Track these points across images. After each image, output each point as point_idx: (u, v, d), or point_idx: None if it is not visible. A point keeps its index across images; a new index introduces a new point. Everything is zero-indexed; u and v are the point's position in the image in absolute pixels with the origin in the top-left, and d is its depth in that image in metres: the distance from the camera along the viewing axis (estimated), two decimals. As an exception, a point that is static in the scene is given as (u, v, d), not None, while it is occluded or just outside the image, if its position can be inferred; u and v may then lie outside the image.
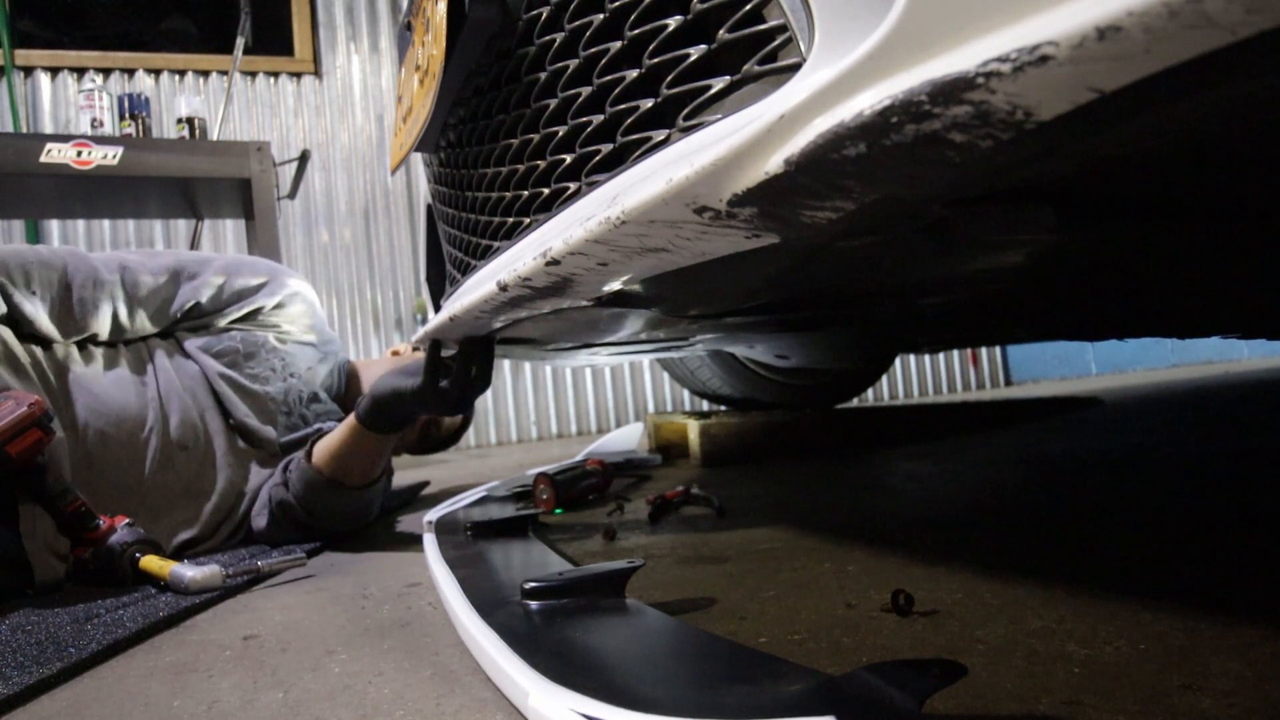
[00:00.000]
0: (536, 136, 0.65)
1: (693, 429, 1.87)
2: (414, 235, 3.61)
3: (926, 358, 4.26)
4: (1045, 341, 3.03)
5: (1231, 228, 0.53)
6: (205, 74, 3.41)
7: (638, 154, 0.50)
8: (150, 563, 0.99)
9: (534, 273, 0.57)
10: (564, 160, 0.61)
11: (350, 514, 1.25)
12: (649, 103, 0.50)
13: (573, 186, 0.60)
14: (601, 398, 3.72)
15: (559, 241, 0.52)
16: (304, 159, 2.45)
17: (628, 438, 2.21)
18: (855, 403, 3.05)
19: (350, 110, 3.60)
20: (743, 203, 0.38)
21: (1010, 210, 0.42)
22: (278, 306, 1.43)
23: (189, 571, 0.95)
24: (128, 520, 1.05)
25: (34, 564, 1.01)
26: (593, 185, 0.55)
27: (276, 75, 3.51)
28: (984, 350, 4.39)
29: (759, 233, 0.41)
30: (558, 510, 1.36)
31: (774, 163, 0.34)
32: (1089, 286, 0.83)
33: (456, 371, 1.08)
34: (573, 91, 0.58)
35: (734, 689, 0.46)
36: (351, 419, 1.17)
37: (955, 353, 4.32)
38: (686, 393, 3.74)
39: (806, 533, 1.02)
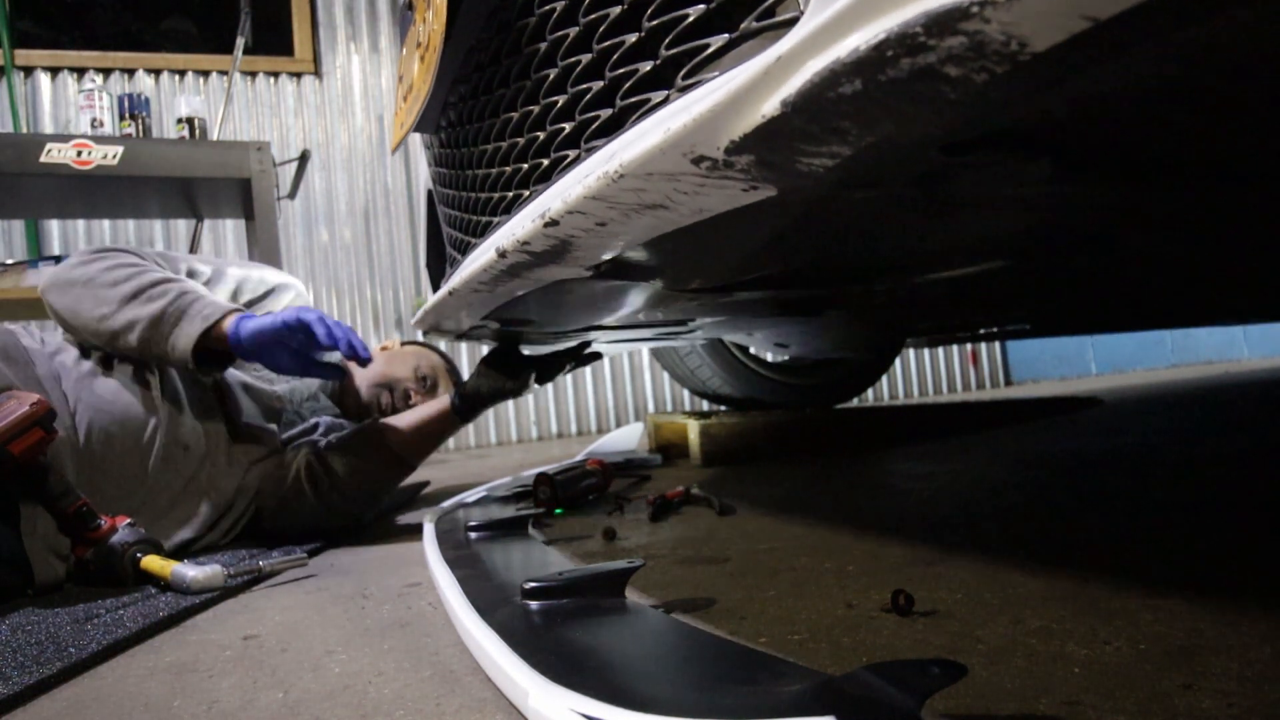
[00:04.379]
0: (537, 108, 0.65)
1: (693, 429, 1.87)
2: (414, 235, 3.61)
3: (926, 357, 4.26)
4: (1046, 336, 3.02)
5: (1229, 188, 0.52)
6: (205, 74, 3.41)
7: (637, 115, 0.50)
8: (151, 562, 0.99)
9: (533, 235, 0.57)
10: (563, 129, 0.61)
11: (370, 485, 1.34)
12: (648, 65, 0.50)
13: (572, 154, 0.60)
14: (601, 398, 3.72)
15: (558, 202, 0.52)
16: (304, 159, 2.45)
17: (628, 438, 2.21)
18: (855, 403, 3.04)
19: (350, 110, 3.60)
20: (740, 149, 0.38)
21: (1007, 160, 0.42)
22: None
23: (190, 571, 0.95)
24: (129, 520, 1.05)
25: (34, 564, 1.01)
26: (591, 151, 0.55)
27: (276, 75, 3.51)
28: (984, 350, 4.39)
29: (756, 184, 0.41)
30: (558, 510, 1.36)
31: (771, 105, 0.34)
32: (1088, 262, 0.83)
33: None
34: (573, 59, 0.58)
35: (734, 689, 0.46)
36: (444, 407, 1.36)
37: (955, 353, 4.32)
38: (686, 393, 3.74)
39: (806, 533, 1.02)
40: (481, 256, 0.70)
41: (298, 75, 3.54)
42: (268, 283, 1.43)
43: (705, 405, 3.03)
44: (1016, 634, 0.59)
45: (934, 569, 0.79)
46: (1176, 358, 4.96)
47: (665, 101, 0.48)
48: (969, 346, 4.36)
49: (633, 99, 0.52)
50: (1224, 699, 0.45)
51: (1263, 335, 5.14)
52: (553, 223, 0.54)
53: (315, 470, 1.30)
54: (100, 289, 1.19)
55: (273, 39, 3.49)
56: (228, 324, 1.18)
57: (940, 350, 4.30)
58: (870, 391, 4.01)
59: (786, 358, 2.41)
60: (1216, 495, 1.04)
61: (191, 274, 1.32)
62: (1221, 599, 0.62)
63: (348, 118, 3.59)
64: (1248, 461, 1.26)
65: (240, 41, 2.45)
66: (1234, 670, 0.49)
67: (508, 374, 1.36)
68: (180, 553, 1.21)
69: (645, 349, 3.71)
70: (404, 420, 1.36)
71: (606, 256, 0.61)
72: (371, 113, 3.62)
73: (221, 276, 1.37)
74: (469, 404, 1.36)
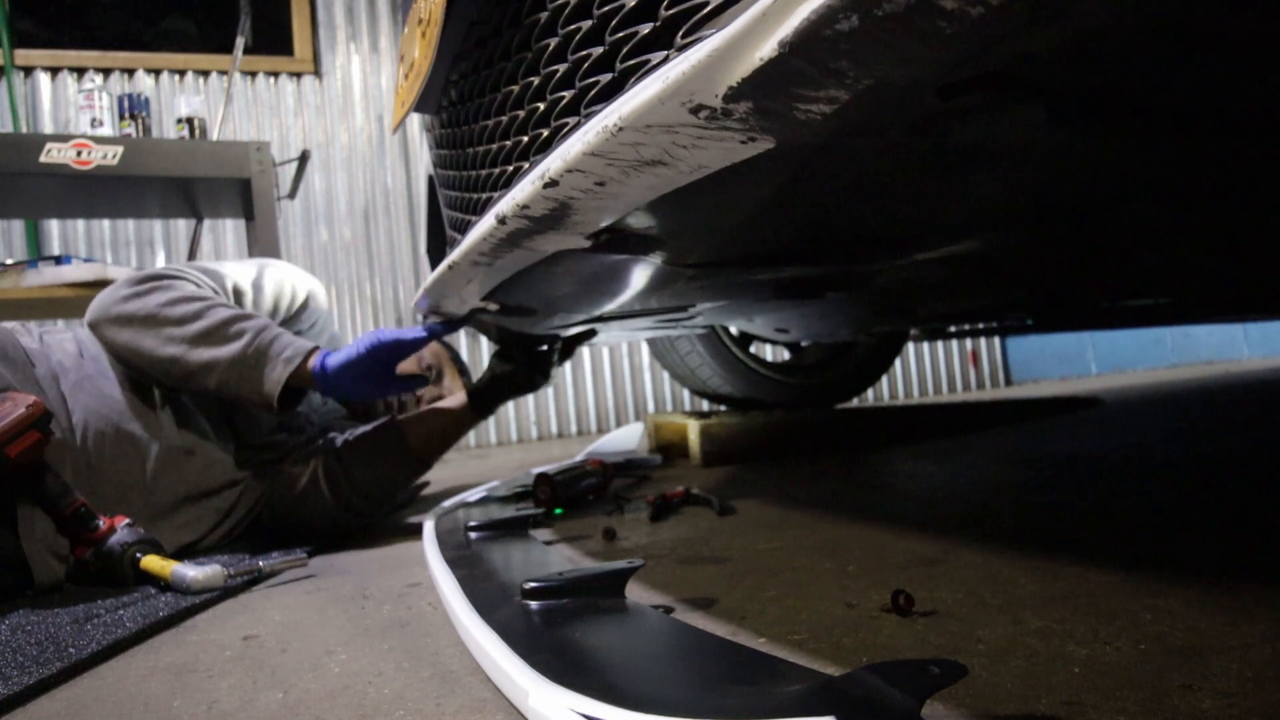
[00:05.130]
0: (537, 78, 0.65)
1: (693, 429, 1.87)
2: (414, 234, 3.61)
3: (926, 358, 4.26)
4: (1047, 331, 3.01)
5: (1229, 143, 0.52)
6: (205, 74, 3.41)
7: (636, 77, 0.51)
8: (151, 563, 0.99)
9: (532, 198, 0.57)
10: (563, 97, 0.61)
11: (388, 484, 1.35)
12: (647, 27, 0.50)
13: (572, 121, 0.60)
14: (601, 398, 3.72)
15: (558, 161, 0.52)
16: (304, 159, 2.45)
17: (628, 438, 2.21)
18: (855, 403, 3.04)
19: (350, 110, 3.59)
20: (738, 96, 0.38)
21: (1001, 104, 0.42)
22: (311, 326, 1.44)
23: (191, 571, 0.95)
24: (128, 520, 1.05)
25: (33, 565, 1.01)
26: (590, 116, 0.55)
27: (276, 75, 3.51)
28: (984, 350, 4.39)
29: (754, 134, 0.41)
30: (558, 510, 1.36)
31: (768, 47, 0.34)
32: (1090, 237, 0.82)
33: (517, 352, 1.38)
34: (573, 27, 0.59)
35: (734, 689, 0.46)
36: (461, 404, 1.38)
37: (955, 353, 4.32)
38: (686, 393, 3.74)
39: (807, 533, 1.02)
40: (481, 226, 0.70)
41: (298, 75, 3.54)
42: (299, 296, 1.40)
43: (705, 405, 3.03)
44: (1016, 634, 0.59)
45: (934, 569, 0.79)
46: (1176, 358, 4.95)
47: (664, 61, 0.48)
48: (969, 346, 4.36)
49: (632, 61, 0.52)
50: (1224, 699, 0.45)
51: (1263, 335, 5.14)
52: (552, 183, 0.54)
53: (333, 471, 1.31)
54: (166, 326, 1.17)
55: (273, 39, 3.49)
56: (311, 363, 1.18)
57: (940, 350, 4.30)
58: (870, 391, 4.01)
59: (788, 356, 2.41)
60: (1216, 495, 1.04)
61: (237, 293, 1.31)
62: (1221, 599, 0.62)
63: (348, 118, 3.59)
64: (1248, 461, 1.26)
65: (240, 41, 2.45)
66: (1234, 670, 0.49)
67: (520, 366, 1.37)
68: (181, 554, 1.21)
69: (646, 348, 3.72)
70: (421, 419, 1.37)
71: (605, 222, 0.61)
72: (371, 113, 3.62)
73: (260, 292, 1.35)
74: (485, 400, 1.38)
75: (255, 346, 1.16)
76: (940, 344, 4.30)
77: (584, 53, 0.58)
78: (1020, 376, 4.49)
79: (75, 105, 2.23)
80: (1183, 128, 0.48)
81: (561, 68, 0.61)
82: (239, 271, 1.35)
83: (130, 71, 3.30)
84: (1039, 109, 0.42)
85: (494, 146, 0.77)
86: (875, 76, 0.35)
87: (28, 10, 3.26)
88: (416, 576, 0.98)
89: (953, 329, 2.52)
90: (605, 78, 0.55)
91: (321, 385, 1.18)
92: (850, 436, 1.99)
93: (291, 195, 2.48)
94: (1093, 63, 0.38)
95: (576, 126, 0.58)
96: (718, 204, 0.61)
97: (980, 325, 2.47)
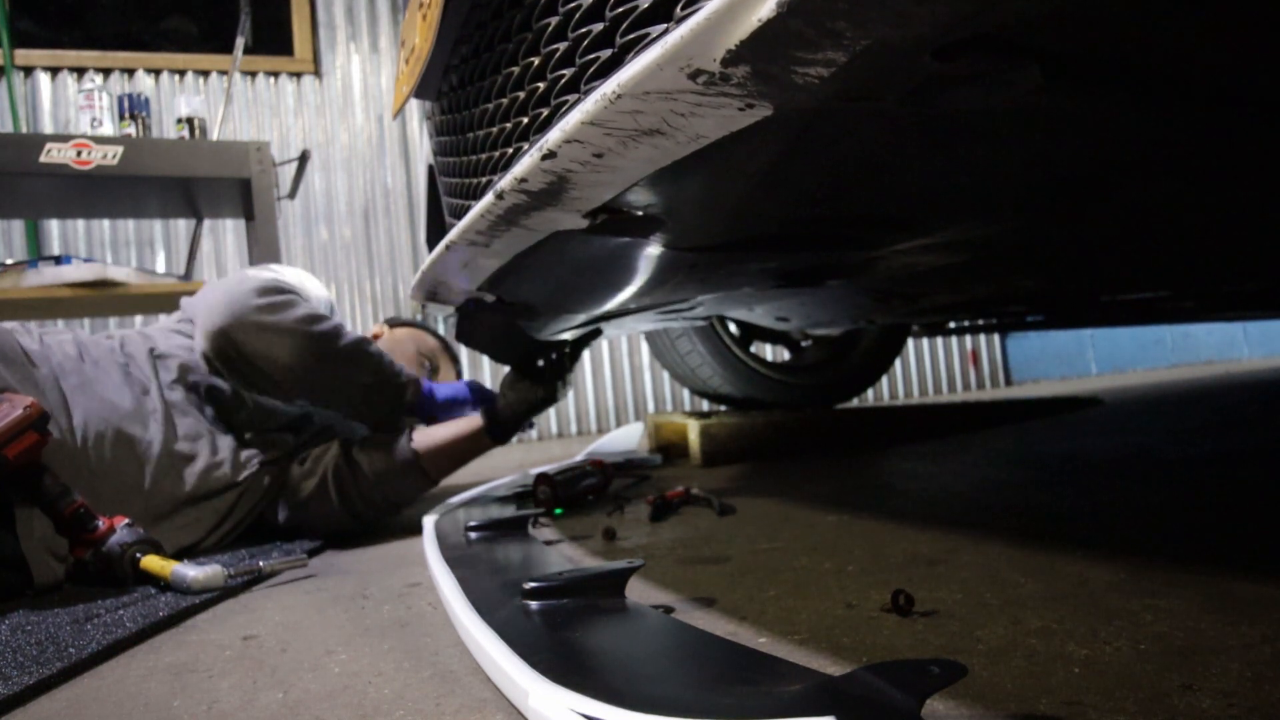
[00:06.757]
0: (538, 59, 0.65)
1: (693, 429, 1.87)
2: (414, 233, 3.61)
3: (926, 357, 4.26)
4: (1051, 328, 3.00)
5: (1232, 114, 0.51)
6: (205, 74, 3.41)
7: (635, 51, 0.51)
8: (151, 563, 0.99)
9: (530, 171, 0.57)
10: (563, 75, 0.61)
11: (394, 496, 1.37)
12: (647, 1, 0.50)
13: (572, 98, 0.60)
14: (601, 398, 3.72)
15: (556, 133, 0.52)
16: (304, 159, 2.44)
17: (628, 438, 2.21)
18: (855, 403, 3.05)
19: (350, 110, 3.59)
20: (736, 59, 0.38)
21: (996, 66, 0.42)
22: None
23: (191, 571, 0.95)
24: (127, 520, 1.05)
25: (32, 565, 1.01)
26: (590, 93, 0.56)
27: (276, 75, 3.51)
28: (984, 350, 4.39)
29: (752, 100, 0.42)
30: (558, 510, 1.36)
31: (766, 8, 0.35)
32: (1093, 220, 0.81)
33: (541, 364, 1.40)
34: (574, 4, 0.59)
35: (734, 689, 0.46)
36: (476, 427, 1.38)
37: (955, 353, 4.32)
38: (686, 393, 3.74)
39: (807, 533, 1.02)
40: (480, 204, 0.70)
41: (298, 75, 3.54)
42: (327, 304, 1.46)
43: (705, 405, 3.03)
44: (1016, 634, 0.59)
45: (934, 569, 0.79)
46: (1176, 358, 4.96)
47: (664, 34, 0.48)
48: (969, 346, 4.36)
49: (632, 35, 0.52)
50: (1224, 699, 0.45)
51: (1263, 335, 5.14)
52: (550, 154, 0.54)
53: (343, 475, 1.32)
54: (306, 341, 1.24)
55: (273, 39, 3.49)
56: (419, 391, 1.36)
57: (940, 350, 4.30)
58: (870, 391, 4.01)
59: (788, 356, 2.41)
60: (1216, 495, 1.04)
61: None
62: (1221, 599, 0.62)
63: (348, 118, 3.59)
64: (1248, 461, 1.26)
65: (240, 41, 2.45)
66: (1234, 670, 0.49)
67: (534, 384, 1.38)
68: (181, 555, 1.21)
69: (646, 348, 3.71)
70: (437, 437, 1.39)
71: (604, 198, 0.60)
72: (371, 113, 3.62)
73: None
74: (504, 427, 1.40)
75: (383, 374, 1.32)
76: (940, 344, 4.30)
77: (584, 29, 0.58)
78: (1020, 376, 4.49)
79: (75, 105, 2.23)
80: (1181, 97, 0.48)
81: (562, 46, 0.61)
82: (305, 281, 1.43)
83: (130, 71, 3.30)
84: (1035, 71, 0.42)
85: (494, 129, 0.77)
86: (872, 37, 0.35)
87: (28, 10, 3.26)
88: (416, 576, 0.98)
89: (952, 325, 2.52)
90: (605, 53, 0.55)
91: (422, 410, 1.36)
92: (850, 436, 1.99)
93: (291, 195, 2.48)
94: (1089, 24, 0.38)
95: (576, 103, 0.59)
96: (716, 181, 0.60)
97: (980, 322, 2.46)
